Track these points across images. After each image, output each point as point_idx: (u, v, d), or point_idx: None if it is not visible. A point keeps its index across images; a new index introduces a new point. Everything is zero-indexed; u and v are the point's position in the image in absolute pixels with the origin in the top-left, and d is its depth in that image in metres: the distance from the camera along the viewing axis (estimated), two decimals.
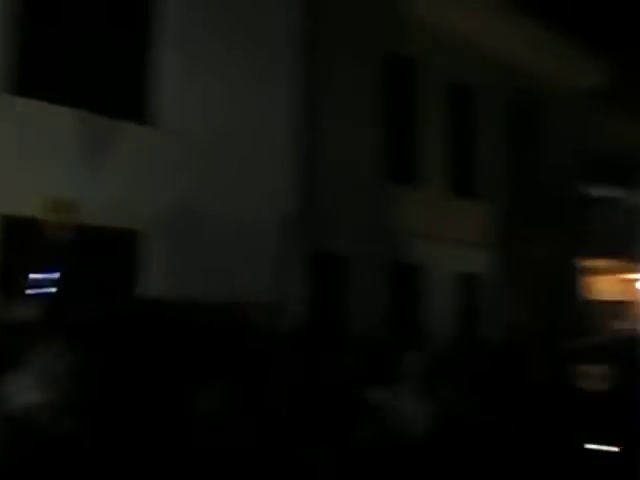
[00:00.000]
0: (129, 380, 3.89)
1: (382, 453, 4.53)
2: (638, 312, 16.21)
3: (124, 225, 6.56)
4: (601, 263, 14.11)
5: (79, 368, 3.61)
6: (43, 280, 5.85)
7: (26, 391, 3.43)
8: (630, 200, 15.20)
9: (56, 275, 5.94)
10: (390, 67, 10.14)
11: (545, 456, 4.93)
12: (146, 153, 6.81)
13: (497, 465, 4.66)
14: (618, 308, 16.47)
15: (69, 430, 3.42)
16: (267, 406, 4.42)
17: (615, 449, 5.27)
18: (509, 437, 5.05)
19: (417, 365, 4.96)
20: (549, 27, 12.30)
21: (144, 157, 6.77)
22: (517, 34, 11.89)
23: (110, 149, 6.43)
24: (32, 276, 5.86)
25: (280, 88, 7.98)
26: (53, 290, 5.89)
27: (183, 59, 7.20)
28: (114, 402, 3.70)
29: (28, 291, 5.81)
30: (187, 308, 4.99)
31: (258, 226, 7.27)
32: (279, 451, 4.00)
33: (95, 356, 3.78)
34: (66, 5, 6.57)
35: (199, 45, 7.34)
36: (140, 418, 3.69)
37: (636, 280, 16.75)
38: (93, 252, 6.18)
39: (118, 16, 6.96)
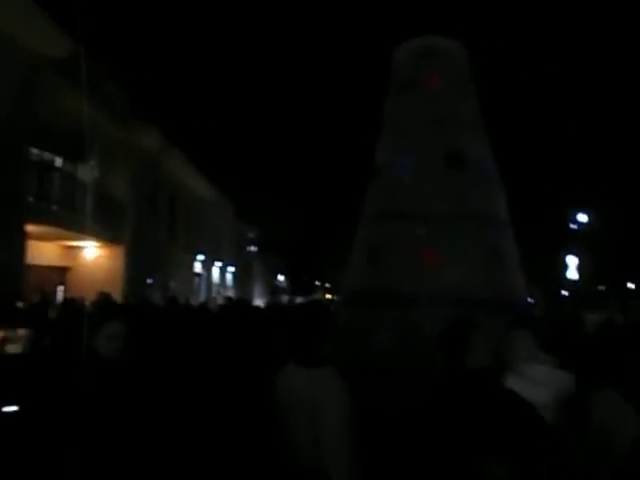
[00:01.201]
0: None
1: None
2: (76, 277, 17.42)
3: None
4: (45, 229, 14.37)
5: None
6: None
7: None
8: (75, 170, 16.08)
9: None
10: None
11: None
12: None
13: None
14: (58, 273, 17.25)
15: None
16: None
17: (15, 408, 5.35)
18: None
19: None
20: None
21: None
22: None
23: None
24: None
25: None
26: None
27: None
28: None
29: None
30: None
31: None
32: None
33: None
34: None
35: None
36: None
37: (77, 248, 17.89)
38: None
39: None
